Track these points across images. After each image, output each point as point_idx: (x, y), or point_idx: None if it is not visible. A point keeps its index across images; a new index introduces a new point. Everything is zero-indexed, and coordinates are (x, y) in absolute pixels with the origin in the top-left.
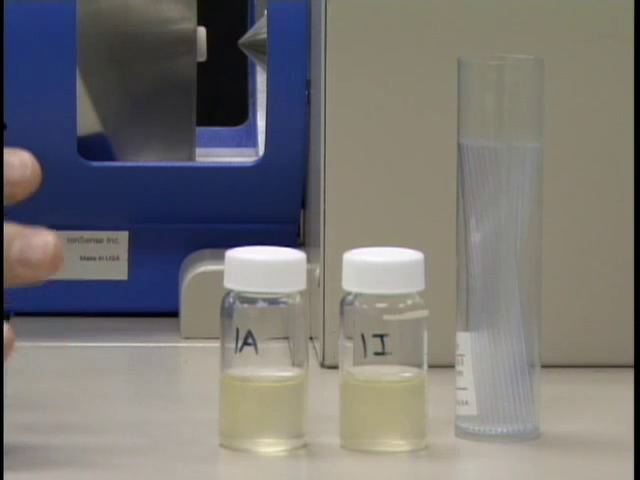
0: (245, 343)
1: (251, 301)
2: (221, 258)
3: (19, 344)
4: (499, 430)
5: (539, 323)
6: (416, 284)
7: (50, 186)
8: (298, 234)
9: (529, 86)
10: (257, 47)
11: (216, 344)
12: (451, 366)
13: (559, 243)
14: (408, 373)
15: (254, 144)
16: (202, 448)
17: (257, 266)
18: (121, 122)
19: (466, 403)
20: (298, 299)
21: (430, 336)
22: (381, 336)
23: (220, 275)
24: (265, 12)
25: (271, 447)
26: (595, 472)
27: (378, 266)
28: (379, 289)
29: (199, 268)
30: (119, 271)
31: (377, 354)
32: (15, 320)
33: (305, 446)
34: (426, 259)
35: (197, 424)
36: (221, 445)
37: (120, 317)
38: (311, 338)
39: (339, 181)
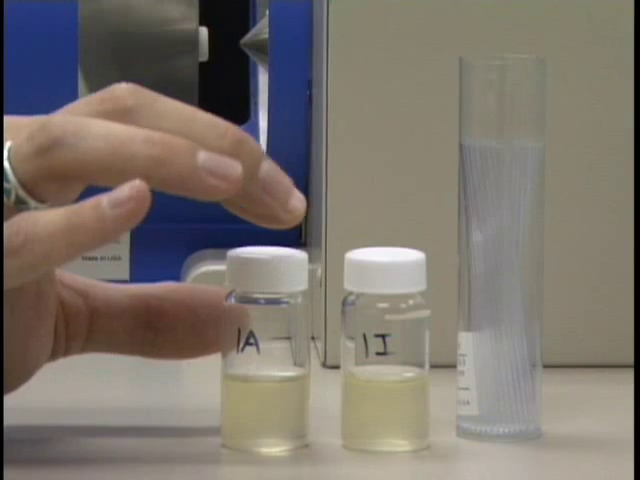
0: (247, 343)
1: (253, 301)
2: (223, 258)
3: None
4: (500, 430)
5: (541, 323)
6: (418, 284)
7: None
8: (300, 234)
9: (531, 86)
10: (259, 47)
11: None
12: (453, 366)
13: (561, 243)
14: (410, 373)
15: None
16: (203, 448)
17: (259, 266)
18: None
19: (467, 403)
20: (300, 299)
21: (432, 336)
22: (383, 336)
23: (222, 275)
24: (267, 12)
25: (273, 447)
26: (595, 472)
27: (380, 266)
28: (381, 289)
29: (201, 268)
30: (121, 271)
31: (379, 354)
32: None
33: (307, 446)
34: (428, 259)
35: (198, 424)
36: (223, 445)
37: None
38: (313, 338)
39: (341, 181)
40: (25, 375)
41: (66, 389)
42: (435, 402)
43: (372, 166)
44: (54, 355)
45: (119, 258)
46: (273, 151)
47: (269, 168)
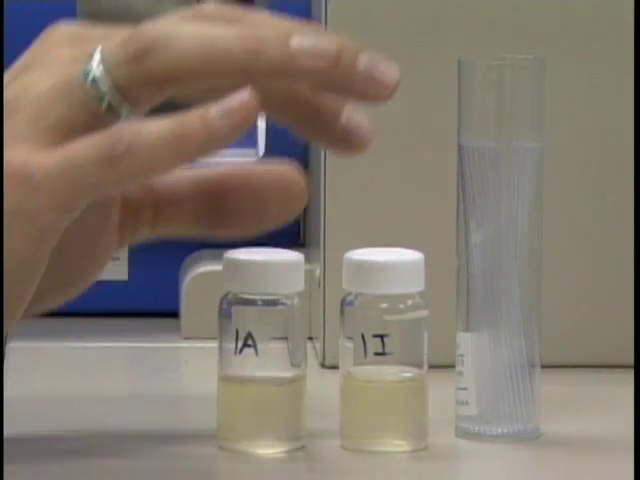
0: (245, 345)
1: (250, 302)
2: (221, 258)
3: (19, 344)
4: (499, 430)
5: (539, 323)
6: (416, 284)
7: None
8: (298, 234)
9: (530, 86)
10: None
11: (216, 344)
12: (451, 366)
13: (559, 243)
14: (408, 373)
15: (254, 144)
16: (201, 449)
17: (254, 268)
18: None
19: (466, 403)
20: (296, 300)
21: (430, 336)
22: (381, 336)
23: (221, 275)
24: None
25: (269, 449)
26: (595, 472)
27: (378, 266)
28: (379, 289)
29: (199, 268)
30: (119, 271)
31: (377, 354)
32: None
33: (305, 447)
34: (426, 259)
35: (197, 424)
36: (219, 447)
37: (120, 317)
38: (311, 338)
39: (339, 181)
40: (95, 270)
41: (65, 387)
42: (434, 402)
43: (370, 166)
44: (121, 245)
45: (117, 258)
46: (272, 151)
47: (368, 59)
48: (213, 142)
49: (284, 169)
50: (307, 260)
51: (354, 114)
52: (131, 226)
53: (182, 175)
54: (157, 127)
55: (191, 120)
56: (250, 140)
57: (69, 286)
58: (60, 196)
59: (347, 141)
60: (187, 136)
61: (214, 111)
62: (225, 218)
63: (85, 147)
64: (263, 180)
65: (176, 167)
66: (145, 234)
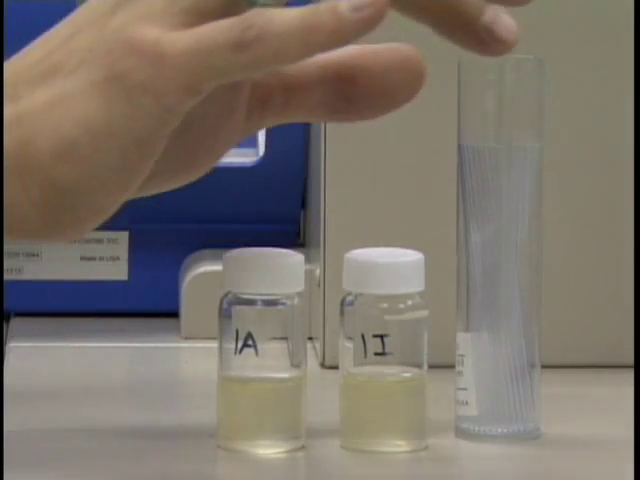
0: (245, 345)
1: (250, 302)
2: (221, 258)
3: (19, 344)
4: (499, 430)
5: (539, 323)
6: (416, 284)
7: None
8: (298, 234)
9: (529, 86)
10: None
11: (216, 344)
12: (451, 366)
13: (559, 243)
14: (408, 373)
15: (254, 144)
16: (201, 449)
17: (255, 267)
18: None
19: (466, 403)
20: (296, 300)
21: (430, 336)
22: (381, 336)
23: (220, 275)
24: None
25: (269, 449)
26: (595, 472)
27: (378, 266)
28: (379, 289)
29: (199, 268)
30: (119, 271)
31: (377, 354)
32: (15, 320)
33: (305, 447)
34: (426, 259)
35: (197, 424)
36: (219, 446)
37: (120, 317)
38: (311, 338)
39: (339, 181)
40: (214, 157)
41: (65, 387)
42: (433, 402)
43: (370, 166)
44: (246, 134)
45: (118, 258)
46: (272, 151)
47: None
48: (342, 35)
49: (405, 47)
50: (307, 260)
51: (498, 13)
52: (259, 113)
53: (312, 61)
54: (288, 16)
55: (322, 12)
56: (250, 140)
57: (186, 169)
58: (187, 77)
59: (491, 39)
60: (317, 27)
61: (345, 4)
62: (355, 101)
63: (217, 30)
64: (391, 59)
65: (304, 58)
66: (272, 121)
